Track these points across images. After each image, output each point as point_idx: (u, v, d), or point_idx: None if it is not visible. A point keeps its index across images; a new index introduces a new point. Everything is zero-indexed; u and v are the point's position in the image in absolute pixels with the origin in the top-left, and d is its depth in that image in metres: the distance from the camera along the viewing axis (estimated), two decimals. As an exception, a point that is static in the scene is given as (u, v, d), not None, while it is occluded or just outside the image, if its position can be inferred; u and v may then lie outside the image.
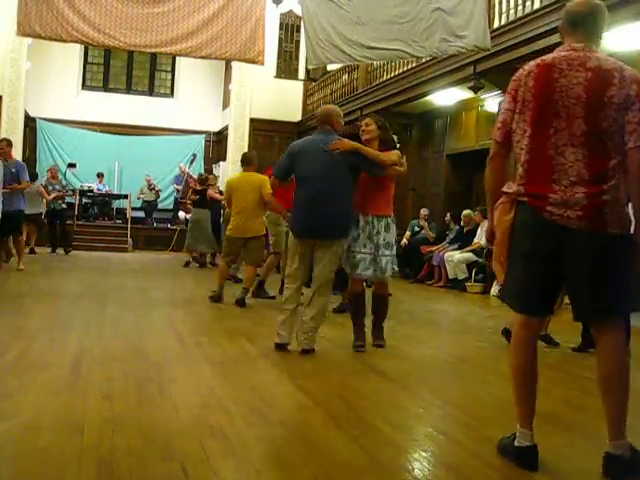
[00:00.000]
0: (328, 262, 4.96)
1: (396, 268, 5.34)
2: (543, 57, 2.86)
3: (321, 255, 4.96)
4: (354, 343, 5.16)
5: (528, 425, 2.76)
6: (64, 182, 15.59)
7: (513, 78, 2.86)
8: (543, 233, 2.68)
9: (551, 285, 2.78)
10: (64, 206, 14.90)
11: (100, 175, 18.90)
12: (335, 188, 4.89)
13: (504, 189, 2.84)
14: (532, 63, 2.84)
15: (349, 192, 4.98)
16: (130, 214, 17.89)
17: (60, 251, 14.31)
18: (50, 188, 14.24)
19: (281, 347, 4.94)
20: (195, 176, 19.01)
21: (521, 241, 2.74)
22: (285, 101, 17.96)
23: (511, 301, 2.88)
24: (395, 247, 5.34)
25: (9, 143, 9.97)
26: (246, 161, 8.02)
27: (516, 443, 2.77)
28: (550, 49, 8.82)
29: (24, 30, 11.83)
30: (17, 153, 16.52)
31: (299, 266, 5.03)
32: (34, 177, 13.15)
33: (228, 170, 17.36)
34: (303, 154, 5.04)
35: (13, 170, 9.67)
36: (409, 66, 11.81)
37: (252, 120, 18.00)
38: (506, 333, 5.65)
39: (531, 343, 2.80)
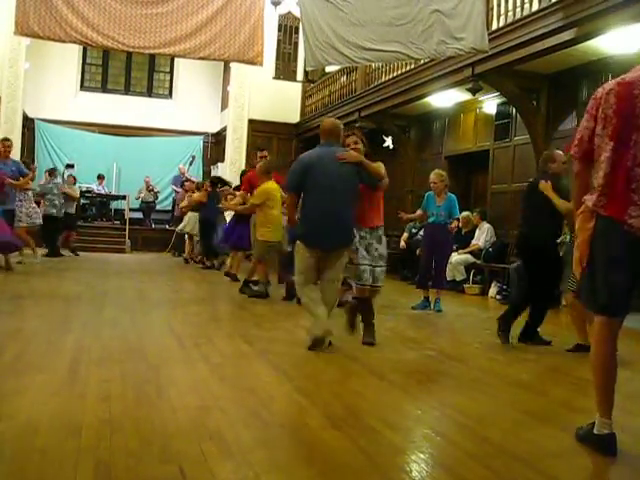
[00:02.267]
0: (336, 267, 5.27)
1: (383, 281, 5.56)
2: (623, 76, 3.00)
3: (329, 264, 5.24)
4: (364, 340, 5.44)
5: (609, 415, 2.95)
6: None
7: (593, 97, 3.05)
8: (622, 243, 2.89)
9: (629, 289, 2.98)
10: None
11: (101, 177, 18.90)
12: (346, 199, 5.14)
13: (585, 197, 3.03)
14: (612, 82, 3.01)
15: (355, 203, 5.23)
16: (128, 215, 17.90)
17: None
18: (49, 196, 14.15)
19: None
20: (194, 178, 19.09)
21: (602, 249, 2.94)
22: (283, 102, 17.97)
23: (594, 304, 3.03)
24: (386, 258, 5.53)
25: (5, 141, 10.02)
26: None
27: (596, 431, 2.97)
28: (548, 51, 8.89)
29: (22, 30, 11.83)
30: (15, 154, 16.52)
31: (310, 272, 5.27)
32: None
33: (226, 171, 17.36)
34: (317, 166, 5.17)
35: (13, 169, 9.70)
36: (407, 68, 11.81)
37: (250, 121, 18.00)
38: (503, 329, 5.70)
39: (613, 341, 3.00)
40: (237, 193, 10.49)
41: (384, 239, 5.51)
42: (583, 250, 3.01)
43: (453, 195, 8.00)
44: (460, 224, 11.45)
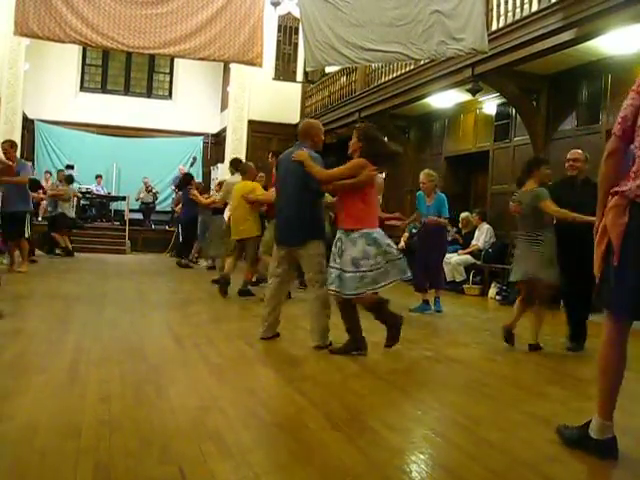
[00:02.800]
0: (306, 265, 5.32)
1: (362, 290, 4.93)
2: None
3: (299, 259, 5.37)
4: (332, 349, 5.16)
5: (611, 417, 2.87)
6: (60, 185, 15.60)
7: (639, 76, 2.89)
8: None
9: None
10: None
11: (99, 177, 18.90)
12: (298, 198, 5.22)
13: (617, 188, 2.79)
14: None
15: (309, 199, 5.22)
16: (128, 216, 17.90)
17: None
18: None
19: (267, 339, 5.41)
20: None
21: (636, 246, 2.69)
22: (283, 103, 17.97)
23: (619, 308, 2.82)
24: (367, 264, 4.89)
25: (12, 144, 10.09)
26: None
27: (595, 435, 2.87)
28: (548, 52, 8.88)
29: (22, 30, 11.82)
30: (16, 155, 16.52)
31: (278, 266, 5.44)
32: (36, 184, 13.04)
33: (226, 172, 17.34)
34: (280, 166, 5.53)
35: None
36: (407, 68, 11.82)
37: (250, 122, 18.01)
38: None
39: (624, 344, 2.88)
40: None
41: (361, 242, 4.92)
42: (617, 247, 2.73)
43: (443, 194, 7.95)
44: (460, 225, 11.47)
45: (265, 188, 8.83)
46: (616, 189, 2.78)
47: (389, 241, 5.05)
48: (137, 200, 18.85)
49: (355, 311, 5.16)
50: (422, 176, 7.92)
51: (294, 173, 5.23)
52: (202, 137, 20.83)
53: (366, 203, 5.05)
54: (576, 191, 5.66)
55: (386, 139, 5.48)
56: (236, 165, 10.06)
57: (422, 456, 2.95)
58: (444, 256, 8.62)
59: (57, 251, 14.26)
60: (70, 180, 15.22)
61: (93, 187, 18.68)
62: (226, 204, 10.09)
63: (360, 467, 2.72)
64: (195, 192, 12.97)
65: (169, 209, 19.23)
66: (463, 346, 5.87)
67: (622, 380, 2.89)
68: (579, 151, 5.90)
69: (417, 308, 7.87)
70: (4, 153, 9.73)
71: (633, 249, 2.70)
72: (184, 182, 13.75)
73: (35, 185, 12.52)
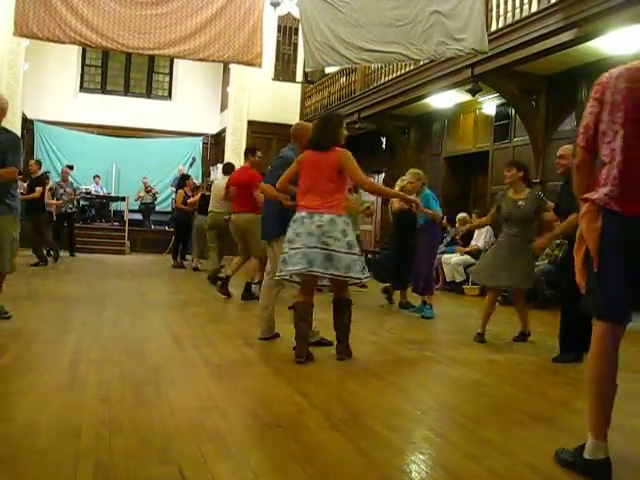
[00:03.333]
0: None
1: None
2: (632, 62, 2.82)
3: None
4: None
5: (603, 437, 2.70)
6: (75, 185, 15.48)
7: (597, 82, 2.84)
8: (636, 240, 2.66)
9: (638, 291, 2.72)
10: (74, 209, 14.66)
11: (96, 177, 18.89)
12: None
13: (587, 196, 2.79)
14: (621, 67, 2.80)
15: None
16: (127, 216, 17.90)
17: (64, 253, 14.14)
18: (61, 191, 13.96)
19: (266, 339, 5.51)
20: (193, 179, 19.06)
21: (613, 251, 2.68)
22: (283, 103, 17.97)
23: (602, 310, 2.75)
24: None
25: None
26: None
27: (588, 456, 2.70)
28: (547, 52, 8.89)
29: (21, 31, 11.84)
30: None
31: (269, 262, 5.56)
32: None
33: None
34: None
35: None
36: (407, 69, 11.82)
37: (250, 122, 18.01)
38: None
39: (616, 352, 2.76)
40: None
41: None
42: (594, 253, 2.73)
43: (428, 190, 7.69)
44: (457, 225, 11.46)
45: None
46: (587, 196, 2.79)
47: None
48: (137, 200, 18.85)
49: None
50: (409, 176, 7.74)
51: (272, 171, 5.45)
52: (202, 137, 20.84)
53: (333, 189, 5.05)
54: (561, 190, 5.55)
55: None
56: (226, 168, 10.55)
57: (422, 456, 2.95)
58: (433, 258, 8.24)
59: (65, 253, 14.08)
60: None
61: (92, 187, 18.67)
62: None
63: (360, 467, 2.72)
64: (181, 192, 13.07)
65: (169, 209, 19.23)
66: (463, 346, 5.87)
67: (615, 394, 2.75)
68: (567, 146, 5.62)
69: (413, 309, 7.77)
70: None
71: (610, 253, 2.69)
72: (181, 182, 13.85)
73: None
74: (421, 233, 7.75)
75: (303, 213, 4.70)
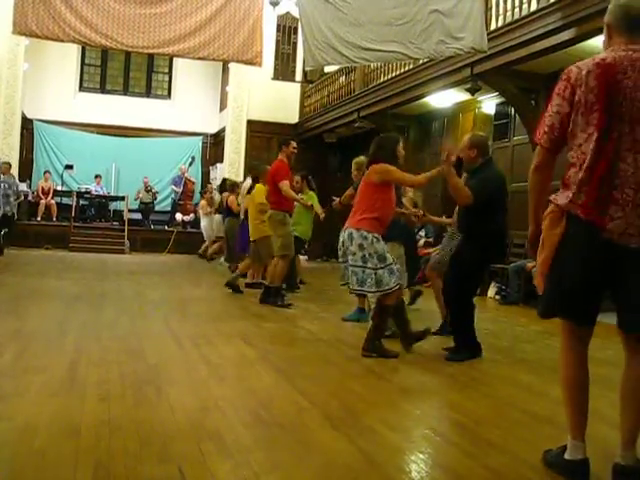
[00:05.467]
0: None
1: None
2: (599, 56, 2.61)
3: None
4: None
5: (581, 437, 2.65)
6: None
7: (563, 78, 2.66)
8: (597, 248, 2.54)
9: (598, 293, 2.65)
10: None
11: (98, 177, 18.89)
12: None
13: (552, 199, 2.67)
14: (589, 62, 2.60)
15: None
16: (127, 216, 17.89)
17: None
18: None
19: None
20: (192, 179, 19.06)
21: (571, 253, 2.59)
22: (282, 103, 17.96)
23: (558, 306, 2.68)
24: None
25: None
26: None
27: (567, 456, 2.66)
28: (547, 51, 8.87)
29: (20, 29, 11.83)
30: (14, 155, 16.54)
31: None
32: None
33: (225, 172, 17.36)
34: None
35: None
36: (406, 68, 11.81)
37: (249, 122, 18.00)
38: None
39: (583, 351, 2.69)
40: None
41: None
42: (549, 258, 2.66)
43: None
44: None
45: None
46: (551, 199, 2.66)
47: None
48: (136, 200, 18.83)
49: None
50: (353, 166, 7.31)
51: None
52: (201, 137, 20.81)
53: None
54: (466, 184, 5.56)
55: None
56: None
57: (422, 455, 2.95)
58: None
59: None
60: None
61: (92, 187, 18.66)
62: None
63: (360, 466, 2.72)
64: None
65: (168, 209, 19.22)
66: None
67: (587, 395, 2.68)
68: (465, 137, 5.62)
69: (350, 316, 6.93)
70: None
71: (568, 253, 2.59)
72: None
73: None
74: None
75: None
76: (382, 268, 4.89)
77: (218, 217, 13.45)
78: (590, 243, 2.56)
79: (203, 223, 15.19)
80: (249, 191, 9.10)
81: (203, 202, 15.39)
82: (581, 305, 2.63)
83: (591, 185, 2.54)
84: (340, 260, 5.13)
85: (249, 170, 10.26)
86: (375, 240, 4.94)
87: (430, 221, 6.83)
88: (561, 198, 2.62)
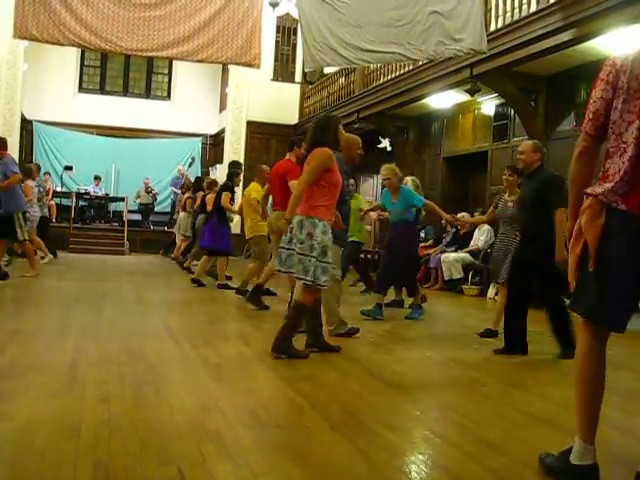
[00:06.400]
0: None
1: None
2: None
3: None
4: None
5: (591, 440, 2.52)
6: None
7: (610, 63, 2.59)
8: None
9: (637, 297, 2.56)
10: None
11: (97, 178, 18.89)
12: None
13: (590, 191, 2.54)
14: (634, 51, 2.54)
15: None
16: (127, 217, 17.89)
17: None
18: None
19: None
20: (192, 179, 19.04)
21: (617, 250, 2.45)
22: (282, 104, 17.97)
23: (598, 314, 2.53)
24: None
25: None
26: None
27: (575, 461, 2.52)
28: (546, 52, 8.88)
29: (21, 33, 11.84)
30: (14, 156, 16.50)
31: None
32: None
33: (224, 173, 17.33)
34: None
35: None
36: (406, 69, 11.83)
37: (249, 123, 18.02)
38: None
39: (604, 352, 2.58)
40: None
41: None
42: (592, 251, 2.48)
43: (405, 186, 7.51)
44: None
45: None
46: (589, 191, 2.55)
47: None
48: (136, 201, 18.83)
49: None
50: (385, 171, 7.37)
51: None
52: (201, 138, 20.84)
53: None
54: (524, 186, 5.75)
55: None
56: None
57: (421, 456, 2.94)
58: (414, 258, 8.00)
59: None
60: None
61: (91, 188, 18.67)
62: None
63: (360, 467, 2.72)
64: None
65: (168, 210, 19.23)
66: (463, 346, 5.87)
67: (602, 396, 2.57)
68: (527, 142, 5.91)
69: (370, 311, 7.19)
70: None
71: (611, 252, 2.46)
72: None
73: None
74: (399, 232, 7.45)
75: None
76: (320, 262, 4.75)
77: (183, 215, 13.35)
78: (634, 235, 2.44)
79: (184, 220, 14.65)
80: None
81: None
82: (622, 310, 2.52)
83: (633, 176, 2.44)
84: (285, 246, 4.81)
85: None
86: (324, 230, 4.77)
87: (469, 222, 7.10)
88: (600, 190, 2.49)
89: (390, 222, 7.76)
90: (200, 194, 11.90)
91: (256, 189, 8.45)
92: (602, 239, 2.47)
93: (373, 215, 9.28)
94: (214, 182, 11.61)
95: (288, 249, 4.80)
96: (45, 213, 13.16)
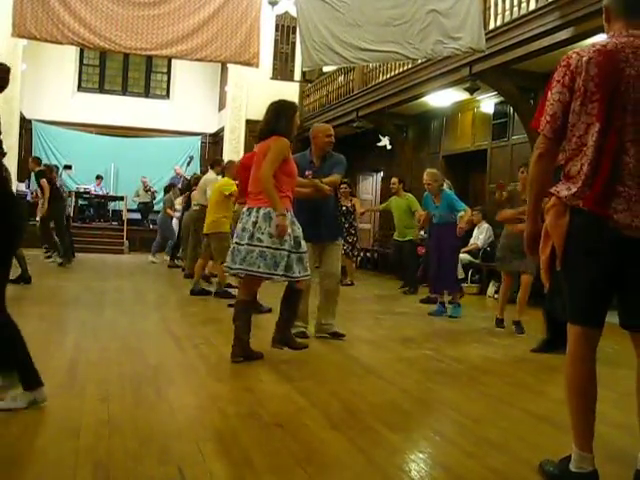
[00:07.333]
0: None
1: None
2: (599, 42, 2.51)
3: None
4: None
5: (588, 448, 2.48)
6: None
7: (563, 64, 2.54)
8: (604, 241, 2.45)
9: (609, 294, 2.54)
10: None
11: (99, 177, 18.89)
12: None
13: (553, 190, 2.57)
14: (589, 49, 2.49)
15: None
16: (126, 216, 17.89)
17: None
18: None
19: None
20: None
21: (580, 249, 2.48)
22: (281, 103, 17.93)
23: (572, 312, 2.56)
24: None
25: None
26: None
27: (574, 469, 2.49)
28: (545, 50, 8.87)
29: (20, 32, 11.83)
30: (13, 155, 16.52)
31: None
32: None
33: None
34: None
35: None
36: (405, 68, 11.82)
37: (248, 122, 17.97)
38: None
39: (593, 358, 2.54)
40: None
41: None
42: (559, 250, 2.52)
43: (449, 191, 7.88)
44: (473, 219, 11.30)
45: None
46: (552, 191, 2.56)
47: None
48: (135, 200, 18.81)
49: None
50: (427, 177, 7.76)
51: None
52: (200, 137, 20.82)
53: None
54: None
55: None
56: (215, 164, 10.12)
57: (421, 455, 2.95)
58: (455, 258, 8.33)
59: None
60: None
61: (92, 187, 18.66)
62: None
63: (360, 466, 2.72)
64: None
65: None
66: (463, 345, 5.88)
67: (596, 402, 2.54)
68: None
69: (434, 311, 7.74)
70: None
71: (577, 252, 2.49)
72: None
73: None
74: (442, 233, 7.78)
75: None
76: (295, 253, 4.53)
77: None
78: (599, 235, 2.45)
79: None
80: None
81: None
82: (599, 305, 2.53)
83: (596, 179, 2.44)
84: (243, 243, 4.51)
85: (211, 165, 10.15)
86: (292, 221, 4.58)
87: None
88: (564, 191, 2.52)
89: (433, 223, 7.99)
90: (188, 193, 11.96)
91: (228, 184, 8.31)
92: (567, 238, 2.50)
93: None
94: (199, 179, 11.58)
95: (249, 245, 4.47)
96: (69, 213, 13.23)
